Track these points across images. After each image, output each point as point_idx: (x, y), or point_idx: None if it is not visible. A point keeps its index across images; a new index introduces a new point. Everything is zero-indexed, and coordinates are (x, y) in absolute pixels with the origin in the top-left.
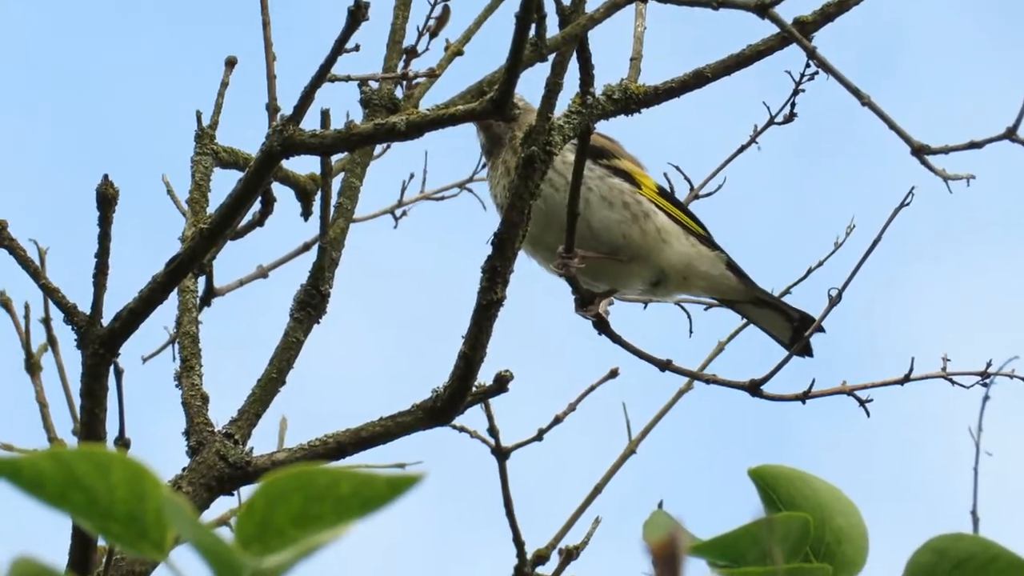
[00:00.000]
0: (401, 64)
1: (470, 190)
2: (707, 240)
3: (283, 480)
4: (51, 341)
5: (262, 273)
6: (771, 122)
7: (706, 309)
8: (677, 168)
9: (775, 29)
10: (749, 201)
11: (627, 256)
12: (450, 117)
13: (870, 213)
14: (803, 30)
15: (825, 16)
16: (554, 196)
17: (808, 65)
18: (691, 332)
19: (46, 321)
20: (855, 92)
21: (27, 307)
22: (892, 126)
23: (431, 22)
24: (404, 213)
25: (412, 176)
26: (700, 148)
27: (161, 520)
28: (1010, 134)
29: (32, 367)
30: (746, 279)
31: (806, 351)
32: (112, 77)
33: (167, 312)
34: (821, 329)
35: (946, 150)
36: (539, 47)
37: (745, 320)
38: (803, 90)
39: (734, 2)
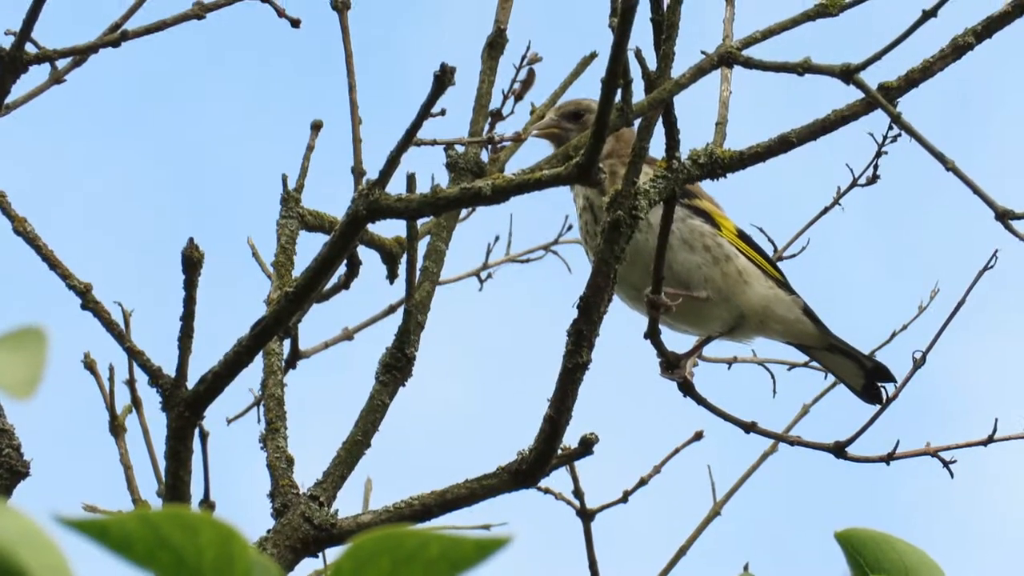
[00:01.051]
0: (487, 127)
1: (555, 252)
2: (784, 284)
3: (371, 542)
4: (135, 403)
5: (347, 335)
6: (854, 184)
7: (789, 370)
8: (760, 229)
9: (860, 93)
10: (833, 263)
11: (707, 293)
12: (536, 182)
13: (954, 276)
14: (887, 95)
15: (910, 82)
16: (638, 237)
17: (891, 127)
18: (775, 393)
19: (130, 383)
20: (939, 157)
21: (111, 369)
22: (976, 191)
23: (516, 85)
24: (489, 275)
25: (497, 238)
26: (783, 208)
27: None
28: None
29: (116, 429)
30: (821, 325)
31: (875, 399)
32: (198, 139)
33: (252, 374)
34: (892, 379)
35: None
36: (625, 112)
37: (831, 383)
38: (886, 152)
39: (820, 68)
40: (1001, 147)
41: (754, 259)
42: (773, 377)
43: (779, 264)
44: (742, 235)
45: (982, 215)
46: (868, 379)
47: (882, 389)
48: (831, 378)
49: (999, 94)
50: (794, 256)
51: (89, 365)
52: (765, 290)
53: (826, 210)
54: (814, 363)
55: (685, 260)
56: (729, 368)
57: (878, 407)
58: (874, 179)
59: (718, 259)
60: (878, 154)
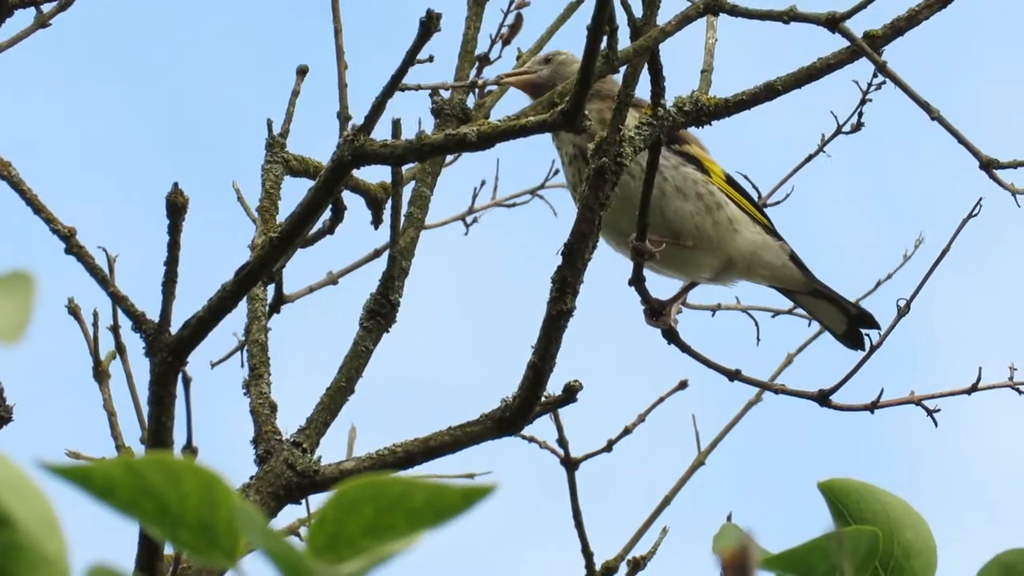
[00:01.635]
0: (473, 72)
1: (541, 197)
2: (771, 231)
3: (355, 490)
4: (119, 349)
5: (332, 280)
6: (839, 131)
7: (773, 317)
8: (745, 176)
9: (845, 42)
10: (817, 211)
11: (692, 241)
12: (521, 128)
13: (939, 224)
14: (873, 44)
15: (895, 30)
16: (629, 183)
17: (876, 75)
18: (759, 341)
19: (114, 329)
20: (924, 106)
21: (95, 315)
22: (961, 140)
23: (504, 30)
24: (475, 220)
25: (483, 183)
26: (768, 156)
27: (232, 528)
28: None
29: (100, 375)
30: (806, 271)
31: (857, 344)
32: (182, 84)
33: (236, 319)
34: (876, 325)
35: (1015, 164)
36: (610, 59)
37: (815, 331)
38: (871, 100)
39: (805, 16)
40: (987, 96)
41: (743, 205)
42: (757, 325)
43: (765, 211)
44: (730, 181)
45: (967, 164)
46: (851, 325)
47: (864, 335)
48: (815, 326)
49: (986, 44)
50: (779, 203)
51: (73, 310)
52: (753, 236)
53: (810, 157)
54: (798, 310)
55: (678, 208)
56: (713, 315)
57: (861, 352)
58: (859, 127)
59: (710, 207)
60: (863, 101)
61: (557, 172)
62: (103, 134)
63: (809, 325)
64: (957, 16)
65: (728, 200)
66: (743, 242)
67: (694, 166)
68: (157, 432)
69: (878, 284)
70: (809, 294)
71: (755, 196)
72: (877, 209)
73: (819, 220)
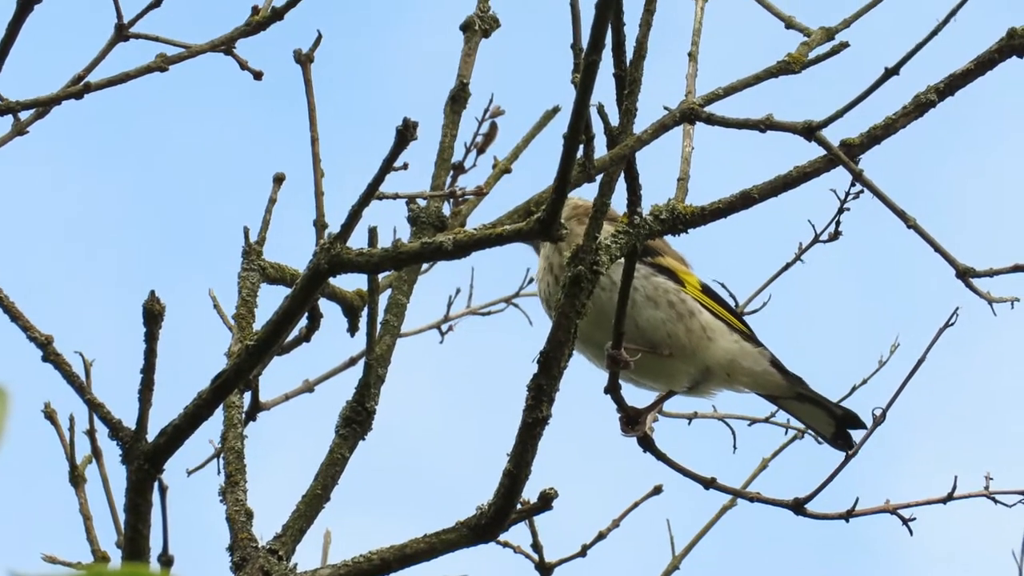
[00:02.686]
0: (449, 180)
1: (516, 305)
2: (750, 337)
3: None
4: (95, 453)
5: (308, 387)
6: (816, 240)
7: (750, 425)
8: (722, 285)
9: (822, 150)
10: (794, 318)
11: (668, 350)
12: (497, 237)
13: (915, 330)
14: (849, 152)
15: (872, 139)
16: (601, 295)
17: (853, 184)
18: (735, 448)
19: (91, 433)
20: (901, 215)
21: (72, 419)
22: (938, 248)
23: (479, 139)
24: (450, 328)
25: (459, 291)
26: (745, 264)
27: None
28: None
29: (76, 479)
30: (789, 375)
31: (846, 445)
32: (161, 192)
33: (213, 424)
34: (862, 425)
35: (991, 273)
36: (587, 167)
37: (790, 437)
38: (848, 209)
39: (782, 124)
40: (965, 200)
41: (719, 313)
42: (733, 432)
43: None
44: (707, 290)
45: (944, 271)
46: (838, 427)
47: (851, 436)
48: (792, 433)
49: (965, 149)
50: (755, 311)
51: (49, 415)
52: (730, 344)
53: (788, 266)
54: (776, 417)
55: (650, 317)
56: (689, 423)
57: (844, 454)
58: (836, 235)
59: (682, 315)
60: (840, 211)
61: (532, 281)
62: (82, 241)
63: (786, 433)
64: (936, 122)
65: (702, 308)
66: (719, 350)
67: (666, 276)
68: (133, 540)
69: (853, 389)
70: (794, 399)
71: (732, 304)
72: (853, 314)
73: (796, 327)
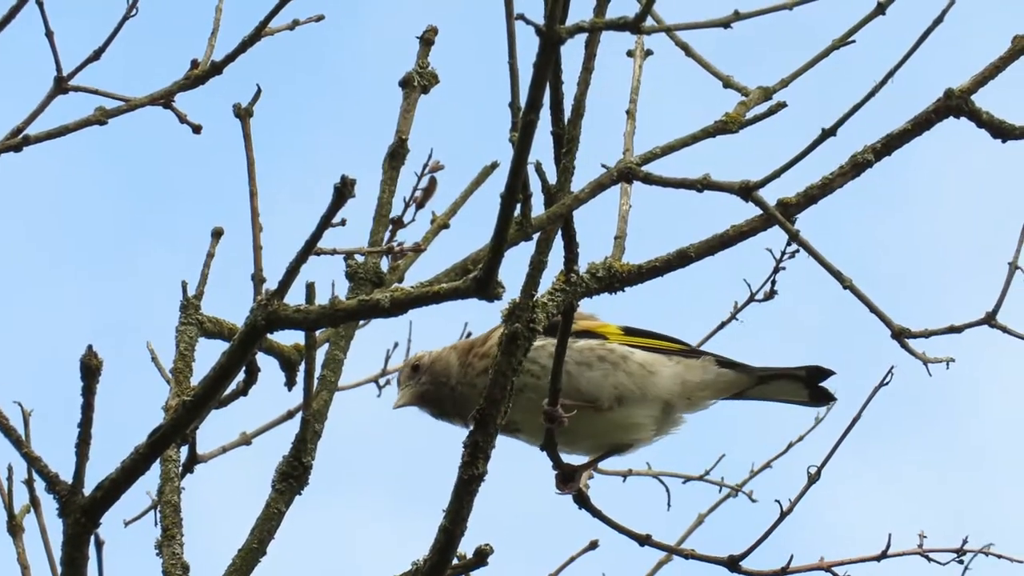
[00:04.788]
0: (387, 235)
1: None
2: (690, 351)
3: None
4: (33, 503)
5: (245, 440)
6: (751, 299)
7: (684, 483)
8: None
9: (759, 209)
10: None
11: (607, 403)
12: (434, 295)
13: (851, 389)
14: (786, 212)
15: (808, 198)
16: (535, 383)
17: (789, 243)
18: (669, 506)
19: (29, 483)
20: (837, 275)
21: (10, 469)
22: (873, 309)
23: (418, 193)
24: (388, 382)
25: (396, 345)
26: (682, 322)
27: None
28: (989, 319)
29: (14, 529)
30: (741, 367)
31: (827, 398)
32: (97, 245)
33: (150, 475)
34: (830, 372)
35: (926, 334)
36: (524, 226)
37: (724, 495)
38: (784, 268)
39: (719, 184)
40: (902, 259)
41: (650, 346)
42: (668, 489)
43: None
44: (629, 330)
45: (879, 331)
46: (810, 386)
47: (827, 388)
48: (725, 490)
49: (903, 209)
50: None
51: None
52: (672, 368)
53: (723, 324)
54: (709, 475)
55: (589, 379)
56: (624, 480)
57: (779, 512)
58: (771, 294)
59: (616, 364)
60: (775, 270)
61: (470, 335)
62: (19, 293)
63: (720, 490)
64: (873, 182)
65: (632, 349)
66: (666, 380)
67: (586, 338)
68: None
69: (789, 446)
70: (759, 384)
71: None
72: None
73: None
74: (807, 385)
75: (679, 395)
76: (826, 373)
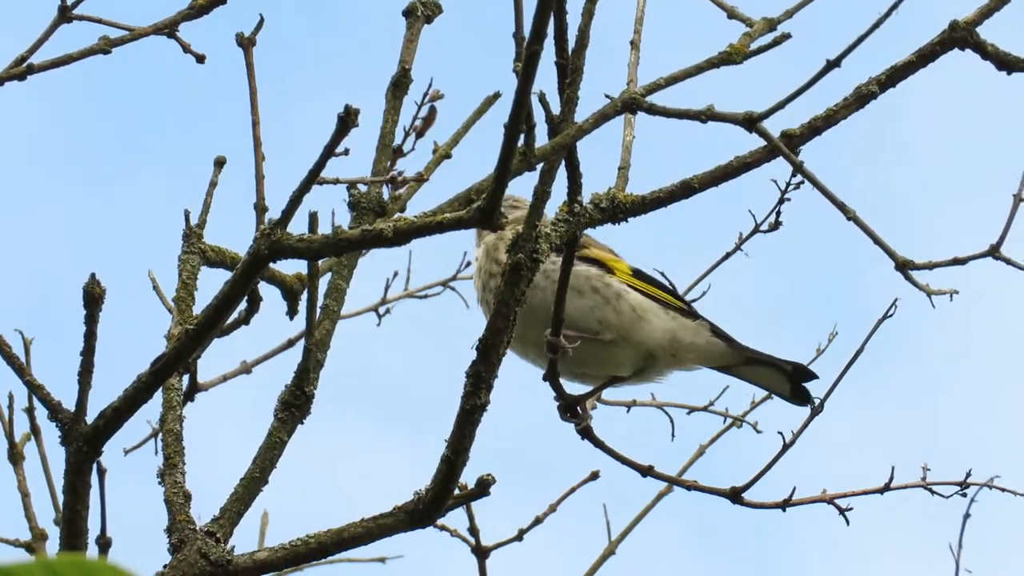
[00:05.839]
0: (389, 165)
1: (453, 288)
2: (689, 312)
3: None
4: (34, 431)
5: (246, 369)
6: (756, 230)
7: (688, 413)
8: (662, 274)
9: (763, 141)
10: (734, 307)
11: (610, 335)
12: (437, 225)
13: (855, 321)
14: (790, 143)
15: (812, 130)
16: (534, 294)
17: (794, 175)
18: (673, 436)
19: (29, 411)
20: (841, 207)
21: (11, 397)
22: (877, 241)
23: (417, 123)
24: (388, 311)
25: (396, 274)
26: (686, 254)
27: None
28: (993, 251)
29: (15, 457)
30: (733, 342)
31: (805, 399)
32: (101, 174)
33: (151, 404)
34: (815, 376)
35: (930, 266)
36: (528, 157)
37: (727, 424)
38: (789, 199)
39: (723, 115)
40: (904, 191)
41: (650, 293)
42: (672, 420)
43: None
44: (639, 274)
45: (883, 262)
46: (793, 382)
47: (808, 390)
48: (729, 420)
49: (906, 140)
50: (695, 301)
51: None
52: (666, 322)
53: (728, 255)
54: (713, 407)
55: (577, 305)
56: (628, 411)
57: (782, 443)
58: (776, 225)
59: (608, 299)
60: (780, 201)
61: (469, 264)
62: (22, 222)
63: (724, 421)
64: (875, 113)
65: (630, 289)
66: (655, 330)
67: (588, 264)
68: (72, 521)
69: None
70: (744, 365)
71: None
72: (792, 304)
73: (736, 316)
74: (790, 381)
75: (665, 349)
76: (810, 375)
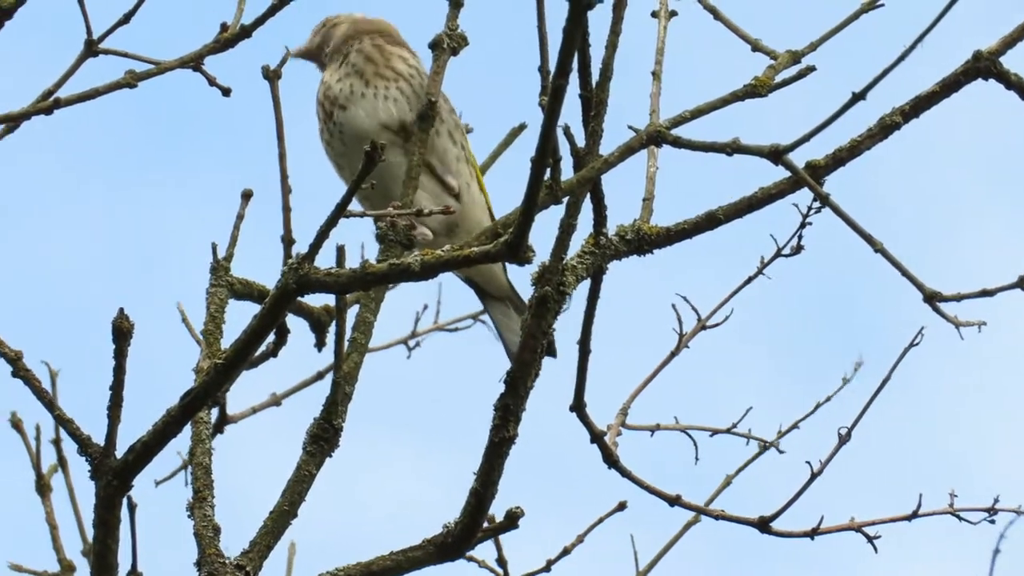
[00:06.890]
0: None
1: (483, 322)
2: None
3: None
4: (61, 463)
5: (275, 401)
6: (778, 254)
7: (711, 436)
8: (684, 299)
9: (786, 172)
10: (756, 333)
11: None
12: (464, 259)
13: (879, 349)
14: (815, 174)
15: (837, 160)
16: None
17: (815, 199)
18: (697, 460)
19: (56, 443)
20: (868, 239)
21: (38, 429)
22: (905, 273)
23: None
24: (418, 344)
25: (426, 307)
26: (708, 279)
27: None
28: (1022, 283)
29: (42, 488)
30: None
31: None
32: (130, 207)
33: (181, 437)
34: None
35: (958, 297)
36: (554, 190)
37: (755, 452)
38: (811, 223)
39: (748, 148)
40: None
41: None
42: (695, 444)
43: (702, 334)
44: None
45: (909, 292)
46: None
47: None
48: (754, 445)
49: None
50: (717, 326)
51: (15, 424)
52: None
53: (750, 280)
54: (737, 428)
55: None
56: (652, 435)
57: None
58: (798, 249)
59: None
60: (802, 224)
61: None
62: (51, 255)
63: (747, 443)
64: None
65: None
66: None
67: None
68: (102, 554)
69: (817, 406)
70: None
71: (695, 319)
72: (817, 332)
73: (760, 342)
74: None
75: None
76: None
